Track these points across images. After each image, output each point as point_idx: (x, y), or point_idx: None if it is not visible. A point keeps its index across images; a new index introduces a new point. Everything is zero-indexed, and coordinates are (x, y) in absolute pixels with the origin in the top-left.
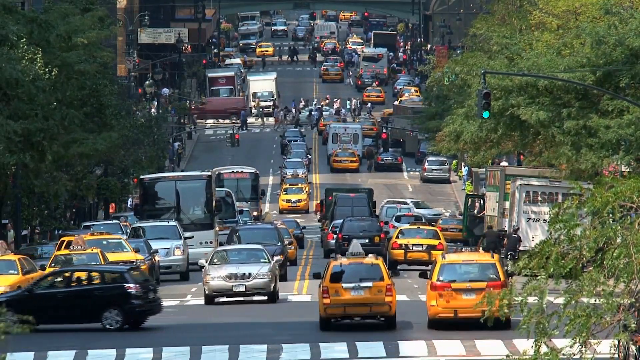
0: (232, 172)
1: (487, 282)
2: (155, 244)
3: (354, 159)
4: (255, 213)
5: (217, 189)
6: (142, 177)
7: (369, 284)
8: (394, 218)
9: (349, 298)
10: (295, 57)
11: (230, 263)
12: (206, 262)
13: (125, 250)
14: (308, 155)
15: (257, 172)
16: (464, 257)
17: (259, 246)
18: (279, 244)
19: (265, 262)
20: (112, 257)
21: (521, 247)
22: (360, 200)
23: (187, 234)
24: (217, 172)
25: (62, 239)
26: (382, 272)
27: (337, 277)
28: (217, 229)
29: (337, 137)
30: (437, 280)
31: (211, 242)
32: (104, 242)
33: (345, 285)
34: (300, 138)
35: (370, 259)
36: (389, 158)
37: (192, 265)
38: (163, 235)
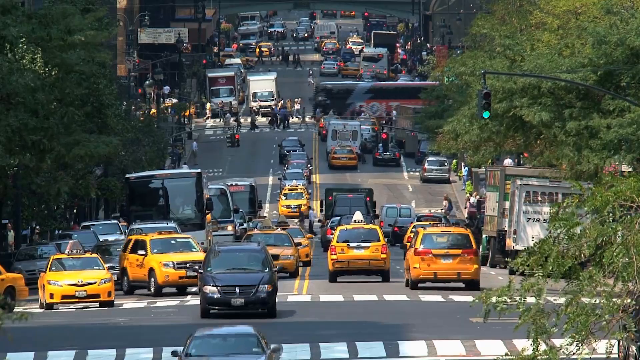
0: (228, 185)
1: (462, 249)
2: None
3: (352, 156)
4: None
5: (213, 186)
6: (127, 175)
7: (368, 244)
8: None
9: (352, 255)
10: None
11: (213, 356)
12: (182, 353)
13: (194, 249)
14: (309, 165)
15: (254, 184)
16: (442, 229)
17: (250, 329)
18: (267, 270)
19: (259, 353)
20: (181, 257)
21: (518, 247)
22: (358, 200)
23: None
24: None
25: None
26: (379, 235)
27: (343, 239)
28: (210, 228)
29: (337, 133)
30: (420, 247)
31: (202, 243)
32: (172, 242)
33: (349, 244)
34: (300, 148)
35: (369, 225)
36: (388, 153)
37: None
38: None
